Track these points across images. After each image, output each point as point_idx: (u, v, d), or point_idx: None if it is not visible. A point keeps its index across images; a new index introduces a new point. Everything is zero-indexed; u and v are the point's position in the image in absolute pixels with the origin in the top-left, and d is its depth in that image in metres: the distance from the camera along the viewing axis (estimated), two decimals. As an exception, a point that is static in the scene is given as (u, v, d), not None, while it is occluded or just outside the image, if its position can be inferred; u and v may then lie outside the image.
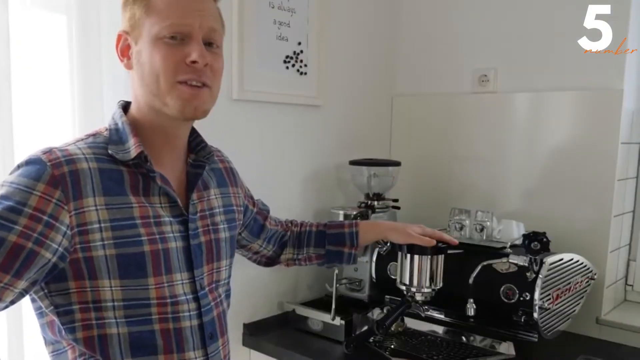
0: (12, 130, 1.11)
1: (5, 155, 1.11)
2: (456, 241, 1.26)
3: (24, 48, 1.14)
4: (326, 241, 1.26)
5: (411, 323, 1.50)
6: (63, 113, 1.21)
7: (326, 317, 1.50)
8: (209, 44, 0.91)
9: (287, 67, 1.62)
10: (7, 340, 1.14)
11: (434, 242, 1.22)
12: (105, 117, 1.22)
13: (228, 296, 1.06)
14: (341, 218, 1.60)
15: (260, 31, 1.52)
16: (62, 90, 1.21)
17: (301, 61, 1.65)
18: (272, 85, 1.58)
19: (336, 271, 1.49)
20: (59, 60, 1.20)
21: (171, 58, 0.87)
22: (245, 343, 1.55)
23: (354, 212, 1.58)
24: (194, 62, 0.87)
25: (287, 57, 1.61)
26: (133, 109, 0.95)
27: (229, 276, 1.05)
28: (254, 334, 1.55)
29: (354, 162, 1.74)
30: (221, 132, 1.15)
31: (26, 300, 0.85)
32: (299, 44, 1.64)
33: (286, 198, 1.67)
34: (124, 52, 0.92)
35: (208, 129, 1.04)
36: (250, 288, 1.58)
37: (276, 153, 1.64)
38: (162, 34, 0.87)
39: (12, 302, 0.80)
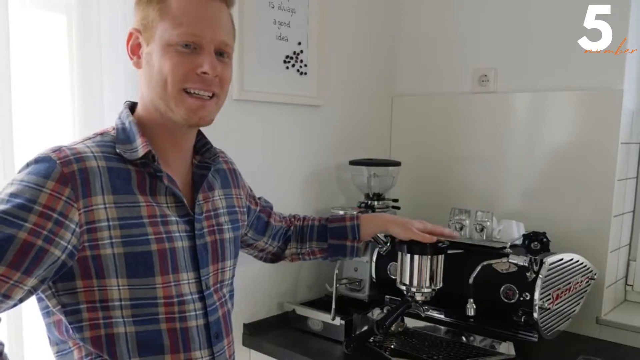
0: (12, 131, 1.11)
1: (5, 155, 1.11)
2: (457, 234, 1.25)
3: (24, 48, 1.14)
4: (328, 235, 1.26)
5: (411, 323, 1.50)
6: (63, 113, 1.21)
7: (326, 317, 1.49)
8: (219, 53, 0.91)
9: (287, 67, 1.62)
10: (7, 340, 1.13)
11: (434, 239, 1.21)
12: (105, 117, 1.22)
13: (232, 296, 1.06)
14: (341, 218, 1.60)
15: (260, 31, 1.52)
16: (62, 90, 1.20)
17: (301, 61, 1.65)
18: (272, 85, 1.58)
19: (336, 271, 1.49)
20: (59, 60, 1.20)
21: (181, 67, 0.87)
22: (245, 343, 1.55)
23: (354, 212, 1.58)
24: (204, 72, 0.88)
25: (287, 57, 1.61)
26: (140, 108, 0.95)
27: (233, 276, 1.06)
28: (254, 334, 1.55)
29: (354, 162, 1.74)
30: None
31: (26, 301, 0.85)
32: (299, 44, 1.64)
33: (286, 198, 1.67)
34: (134, 50, 0.92)
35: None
36: (250, 288, 1.58)
37: (276, 153, 1.64)
38: (174, 41, 0.87)
39: (21, 300, 0.80)
